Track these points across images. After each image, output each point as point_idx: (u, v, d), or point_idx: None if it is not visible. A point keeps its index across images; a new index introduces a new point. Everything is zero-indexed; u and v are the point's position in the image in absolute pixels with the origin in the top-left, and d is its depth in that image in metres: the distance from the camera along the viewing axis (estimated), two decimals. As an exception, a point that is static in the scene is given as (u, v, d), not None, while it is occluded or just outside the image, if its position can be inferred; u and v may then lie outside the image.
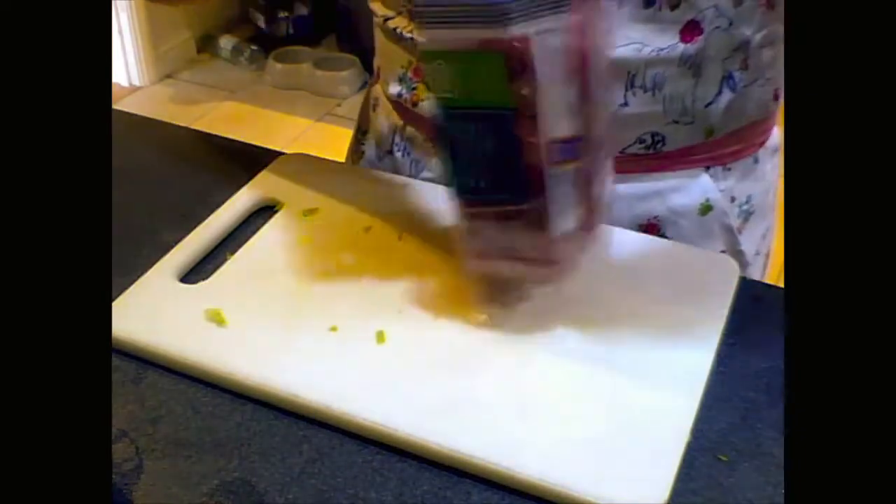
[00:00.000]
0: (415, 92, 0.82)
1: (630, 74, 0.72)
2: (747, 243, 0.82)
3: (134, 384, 0.65)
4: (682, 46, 0.72)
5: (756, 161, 0.82)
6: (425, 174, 0.81)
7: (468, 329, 0.68)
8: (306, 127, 2.78)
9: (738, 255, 0.83)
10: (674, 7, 0.70)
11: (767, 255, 0.90)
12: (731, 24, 0.72)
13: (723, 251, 0.82)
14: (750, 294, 0.73)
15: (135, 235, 0.79)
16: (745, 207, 0.81)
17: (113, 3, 2.81)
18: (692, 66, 0.73)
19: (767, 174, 0.83)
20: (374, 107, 0.91)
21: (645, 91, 0.73)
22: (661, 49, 0.71)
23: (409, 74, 0.82)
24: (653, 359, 0.65)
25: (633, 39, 0.70)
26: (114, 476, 0.59)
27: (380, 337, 0.67)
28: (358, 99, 1.10)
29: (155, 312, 0.69)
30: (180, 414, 0.63)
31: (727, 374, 0.67)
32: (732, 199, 0.81)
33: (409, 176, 0.84)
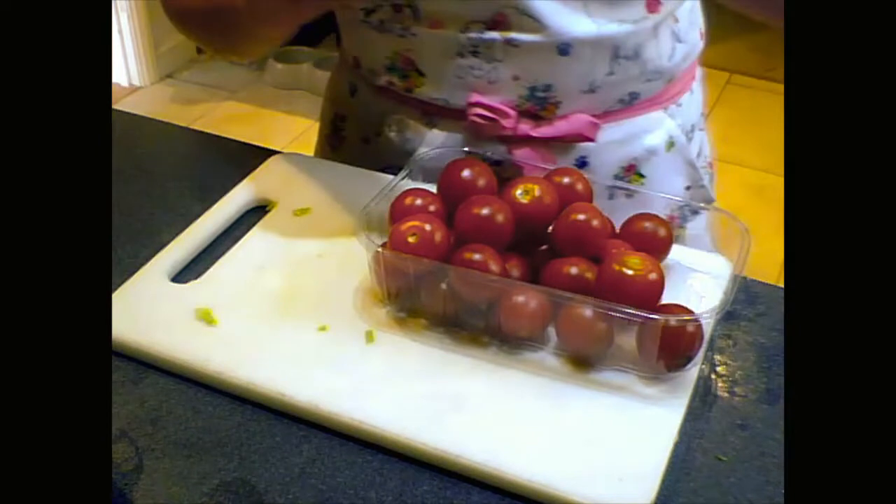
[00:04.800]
0: (408, 79, 0.83)
1: (615, 47, 0.80)
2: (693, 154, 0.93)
3: (134, 384, 0.65)
4: (651, 17, 0.81)
5: (692, 92, 0.92)
6: (422, 150, 0.83)
7: (456, 330, 0.68)
8: (306, 127, 2.77)
9: (701, 190, 0.93)
10: None
11: (710, 164, 0.99)
12: None
13: (688, 187, 0.92)
14: (750, 294, 0.73)
15: (135, 235, 0.79)
16: (690, 134, 0.93)
17: (113, 3, 2.81)
18: (656, 30, 0.82)
19: (697, 96, 0.93)
20: (353, 93, 0.91)
21: (627, 59, 0.81)
22: (636, 21, 0.80)
23: (399, 63, 0.83)
24: (639, 359, 0.65)
25: (613, 17, 0.79)
26: (114, 476, 0.59)
27: (369, 337, 0.67)
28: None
29: (145, 312, 0.70)
30: (180, 414, 0.63)
31: (727, 375, 0.67)
32: (687, 130, 0.92)
33: (405, 153, 0.86)
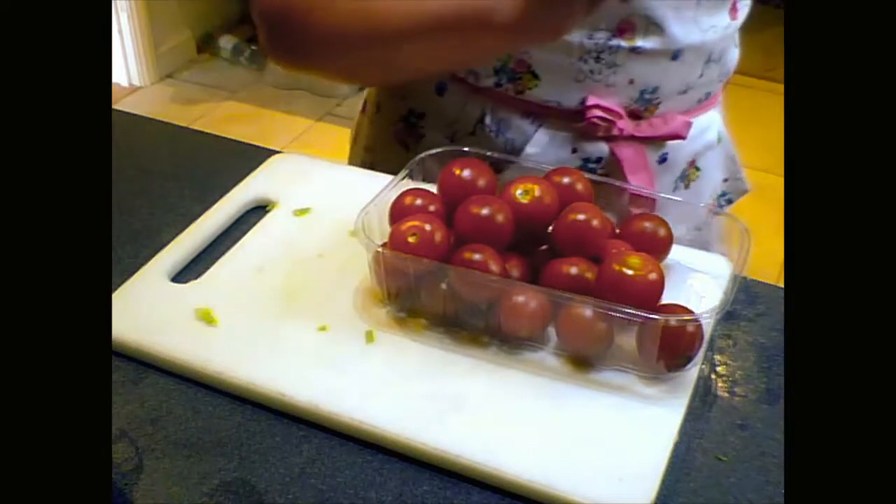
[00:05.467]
0: (520, 81, 0.85)
1: (710, 52, 0.86)
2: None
3: (134, 384, 0.65)
4: (734, 23, 0.87)
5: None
6: (529, 150, 0.86)
7: (456, 330, 0.68)
8: (306, 127, 2.77)
9: (737, 182, 0.99)
10: None
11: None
12: None
13: (726, 179, 0.98)
14: (750, 294, 0.73)
15: (134, 235, 0.79)
16: None
17: (113, 3, 2.81)
18: (733, 36, 0.89)
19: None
20: (441, 92, 0.90)
21: (715, 63, 0.88)
22: (725, 27, 0.86)
23: (511, 65, 0.84)
24: (640, 359, 0.65)
25: (710, 24, 0.84)
26: (114, 476, 0.59)
27: (369, 337, 0.67)
28: (357, 98, 1.09)
29: (145, 312, 0.70)
30: (180, 414, 0.63)
31: (727, 375, 0.67)
32: None
33: (505, 153, 0.87)
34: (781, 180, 0.56)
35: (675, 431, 0.61)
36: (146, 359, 0.67)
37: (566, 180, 0.73)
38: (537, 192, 0.70)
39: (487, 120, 0.88)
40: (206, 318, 0.69)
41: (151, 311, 0.70)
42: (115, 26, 2.85)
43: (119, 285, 0.72)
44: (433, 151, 0.78)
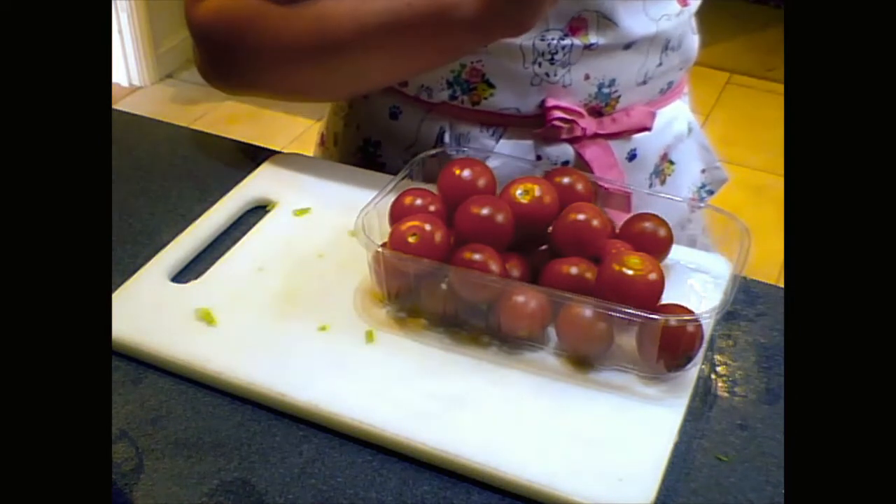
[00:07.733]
0: (475, 91, 0.83)
1: (667, 40, 0.84)
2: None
3: (134, 384, 0.65)
4: (686, 10, 0.85)
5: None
6: (491, 162, 0.79)
7: (456, 330, 0.68)
8: (306, 127, 2.77)
9: (716, 171, 0.97)
10: None
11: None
12: None
13: (703, 170, 0.96)
14: (750, 294, 0.73)
15: (134, 235, 0.79)
16: None
17: (113, 3, 2.81)
18: (689, 22, 0.87)
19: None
20: (395, 116, 0.88)
21: (674, 50, 0.86)
22: (677, 15, 0.84)
23: (464, 76, 0.82)
24: (640, 359, 0.65)
25: (661, 14, 0.82)
26: (114, 476, 0.59)
27: (369, 337, 0.67)
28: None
29: (145, 312, 0.69)
30: (180, 414, 0.63)
31: (727, 375, 0.67)
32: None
33: None
34: (781, 180, 0.56)
35: (675, 431, 0.61)
36: (146, 359, 0.67)
37: (566, 180, 0.73)
38: (537, 192, 0.70)
39: (447, 137, 0.85)
40: (206, 318, 0.69)
41: (151, 311, 0.70)
42: (115, 26, 2.85)
43: (119, 285, 0.72)
44: (433, 151, 0.78)
